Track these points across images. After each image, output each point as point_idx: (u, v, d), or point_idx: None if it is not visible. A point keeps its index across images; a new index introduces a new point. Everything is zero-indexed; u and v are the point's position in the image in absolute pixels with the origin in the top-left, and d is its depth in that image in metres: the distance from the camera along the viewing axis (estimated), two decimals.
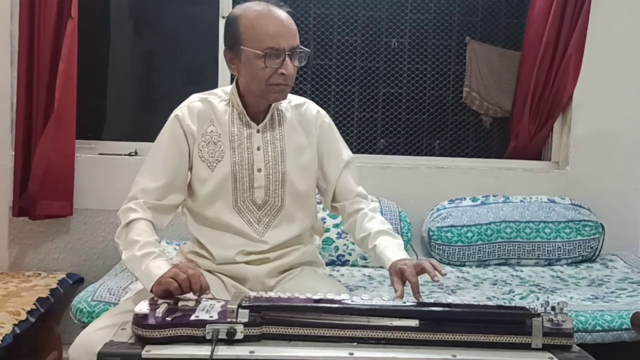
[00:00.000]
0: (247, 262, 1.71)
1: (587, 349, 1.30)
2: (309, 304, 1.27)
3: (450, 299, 1.38)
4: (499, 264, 2.80)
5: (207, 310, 1.26)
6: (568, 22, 2.96)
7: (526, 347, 1.24)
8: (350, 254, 2.70)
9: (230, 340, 1.20)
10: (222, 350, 1.18)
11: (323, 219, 2.57)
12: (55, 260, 2.82)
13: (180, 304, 1.31)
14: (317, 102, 1.86)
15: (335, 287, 1.76)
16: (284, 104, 1.77)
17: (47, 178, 2.63)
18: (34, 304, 2.27)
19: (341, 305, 1.27)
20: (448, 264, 2.76)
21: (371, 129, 3.48)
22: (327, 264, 2.21)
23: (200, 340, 1.20)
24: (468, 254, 2.75)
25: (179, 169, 1.69)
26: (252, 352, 1.18)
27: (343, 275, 2.56)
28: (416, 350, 1.22)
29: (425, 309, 1.30)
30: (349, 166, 1.81)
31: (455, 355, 1.20)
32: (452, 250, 2.75)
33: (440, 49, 3.47)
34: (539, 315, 1.26)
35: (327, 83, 3.42)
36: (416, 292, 1.47)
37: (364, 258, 2.71)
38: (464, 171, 3.03)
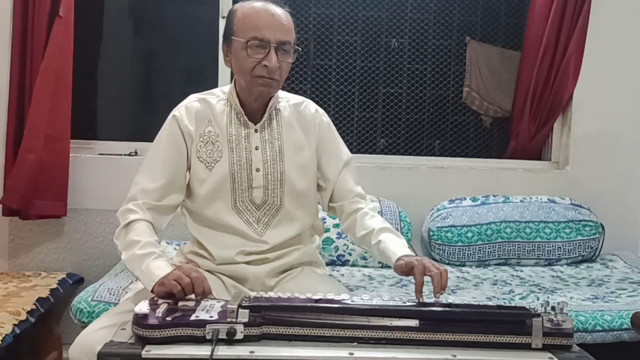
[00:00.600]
0: (247, 262, 1.71)
1: (587, 349, 1.30)
2: (309, 304, 1.27)
3: (450, 299, 1.38)
4: (499, 264, 2.80)
5: (207, 310, 1.26)
6: (568, 22, 2.96)
7: (526, 347, 1.24)
8: (350, 254, 2.70)
9: (230, 340, 1.20)
10: (222, 350, 1.18)
11: (323, 218, 2.57)
12: (55, 260, 2.82)
13: (180, 303, 1.31)
14: (317, 102, 1.85)
15: (335, 287, 1.76)
16: (282, 103, 1.77)
17: (40, 178, 2.60)
18: (34, 304, 2.27)
19: (341, 305, 1.27)
20: (448, 264, 2.76)
21: (371, 129, 3.47)
22: (327, 264, 2.21)
23: (200, 340, 1.20)
24: (468, 254, 2.75)
25: (178, 169, 1.69)
26: (252, 352, 1.18)
27: (343, 275, 2.56)
28: (416, 350, 1.22)
29: (425, 309, 1.30)
30: (348, 166, 1.81)
31: (455, 355, 1.20)
32: (452, 250, 2.75)
33: (440, 49, 3.46)
34: (539, 315, 1.26)
35: (327, 83, 3.41)
36: (419, 292, 1.45)
37: (364, 258, 2.71)
38: (464, 171, 3.04)
